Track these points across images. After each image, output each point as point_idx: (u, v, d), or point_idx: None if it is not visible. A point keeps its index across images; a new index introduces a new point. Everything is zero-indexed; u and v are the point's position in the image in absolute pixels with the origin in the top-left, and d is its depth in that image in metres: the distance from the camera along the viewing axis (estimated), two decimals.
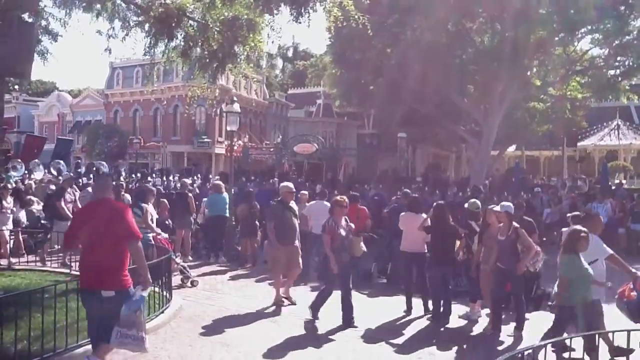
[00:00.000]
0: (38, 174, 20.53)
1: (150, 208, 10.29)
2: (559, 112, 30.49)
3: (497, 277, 7.68)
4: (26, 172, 20.31)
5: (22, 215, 13.53)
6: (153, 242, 9.71)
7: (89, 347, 6.13)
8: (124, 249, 5.19)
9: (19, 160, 21.58)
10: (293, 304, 9.12)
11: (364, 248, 8.25)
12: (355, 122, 46.15)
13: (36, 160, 22.81)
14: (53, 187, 14.83)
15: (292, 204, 9.55)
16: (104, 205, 5.40)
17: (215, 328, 7.62)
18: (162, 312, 7.72)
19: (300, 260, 9.38)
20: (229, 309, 8.78)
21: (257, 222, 13.08)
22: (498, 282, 7.69)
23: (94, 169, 24.97)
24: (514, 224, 7.68)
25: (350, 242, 8.22)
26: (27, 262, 11.71)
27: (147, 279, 5.29)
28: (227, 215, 13.52)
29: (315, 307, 8.02)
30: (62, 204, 12.17)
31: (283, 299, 9.15)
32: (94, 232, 5.18)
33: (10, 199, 12.62)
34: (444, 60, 25.54)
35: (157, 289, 8.15)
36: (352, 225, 8.49)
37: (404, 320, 8.47)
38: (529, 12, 22.41)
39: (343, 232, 8.05)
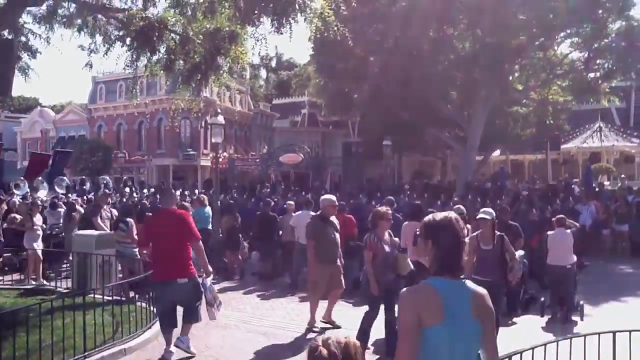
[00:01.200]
0: (42, 192, 19.66)
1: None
2: (542, 116, 30.81)
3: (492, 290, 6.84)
4: (28, 190, 19.75)
5: None
6: (139, 257, 9.64)
7: None
8: (188, 247, 6.74)
9: (22, 178, 21.16)
10: (337, 327, 8.24)
11: (411, 265, 7.19)
12: (340, 130, 46.24)
13: (39, 178, 22.21)
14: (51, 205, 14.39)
15: (333, 218, 8.69)
16: (170, 213, 6.88)
17: (203, 342, 7.56)
18: (150, 327, 7.65)
19: (342, 279, 8.51)
20: (217, 322, 8.72)
21: (239, 235, 13.14)
22: None
23: (103, 184, 24.54)
24: (496, 231, 7.19)
25: (395, 258, 7.21)
26: (12, 280, 11.56)
27: (209, 270, 7.03)
28: (210, 228, 13.60)
29: (363, 333, 7.02)
30: (99, 221, 11.79)
31: (319, 323, 8.33)
32: (164, 235, 6.60)
33: (39, 216, 12.44)
34: (426, 67, 25.74)
35: (144, 304, 8.09)
36: (397, 240, 7.69)
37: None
38: (508, 17, 22.69)
39: (387, 248, 7.20)
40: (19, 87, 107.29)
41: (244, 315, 9.15)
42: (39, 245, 11.85)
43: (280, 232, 13.08)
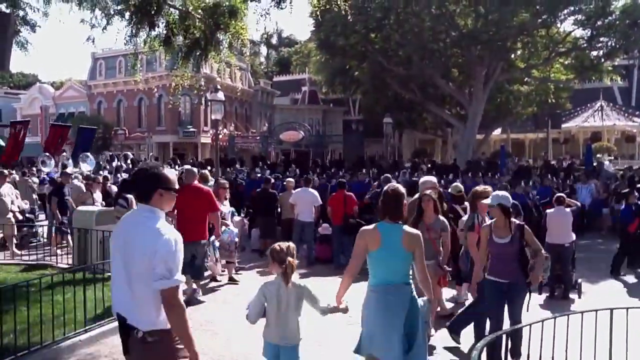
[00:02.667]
0: (85, 167, 19.28)
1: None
2: (543, 95, 30.68)
3: (492, 292, 5.57)
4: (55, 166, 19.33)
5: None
6: None
7: (76, 339, 6.17)
8: (206, 216, 8.33)
9: (47, 154, 20.90)
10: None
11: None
12: (341, 108, 46.09)
13: (64, 154, 21.80)
14: (77, 182, 13.66)
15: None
16: (192, 188, 8.30)
17: (203, 317, 7.60)
18: None
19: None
20: (216, 297, 8.79)
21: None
22: (494, 299, 5.56)
23: (128, 160, 24.17)
24: (515, 220, 5.68)
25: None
26: (13, 256, 11.60)
27: (219, 233, 9.06)
28: None
29: (455, 327, 6.41)
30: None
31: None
32: (188, 205, 7.79)
33: (99, 193, 12.31)
34: (427, 43, 25.56)
35: None
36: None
37: None
38: None
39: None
40: (19, 63, 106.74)
41: (244, 291, 9.18)
42: None
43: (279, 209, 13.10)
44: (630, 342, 4.55)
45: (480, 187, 7.05)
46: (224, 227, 9.48)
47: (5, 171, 13.30)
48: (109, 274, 8.44)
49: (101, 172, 17.44)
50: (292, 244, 4.43)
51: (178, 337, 3.14)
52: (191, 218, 8.02)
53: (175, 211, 8.01)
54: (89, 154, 21.38)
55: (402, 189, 4.50)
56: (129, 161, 23.40)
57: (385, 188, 4.58)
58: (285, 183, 13.67)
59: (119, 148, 39.48)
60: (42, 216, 15.71)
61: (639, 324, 4.70)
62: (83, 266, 8.24)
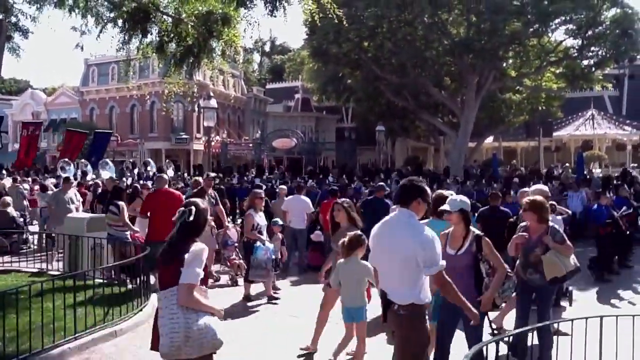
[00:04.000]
0: (105, 173, 19.04)
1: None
2: (535, 103, 30.87)
3: (444, 312, 4.93)
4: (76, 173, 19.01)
5: None
6: (130, 240, 9.62)
7: (66, 347, 6.14)
8: None
9: (67, 160, 20.61)
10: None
11: (563, 270, 5.63)
12: (334, 116, 46.17)
13: (83, 161, 21.45)
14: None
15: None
16: (163, 192, 9.31)
17: None
18: (141, 310, 7.65)
19: None
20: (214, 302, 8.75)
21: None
22: (445, 319, 4.96)
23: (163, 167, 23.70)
24: (473, 229, 5.01)
25: (537, 258, 5.61)
26: (3, 263, 11.51)
27: None
28: None
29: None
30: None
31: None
32: (159, 208, 8.79)
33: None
34: (421, 52, 25.69)
35: (135, 287, 8.09)
36: (550, 238, 5.73)
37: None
38: (503, 3, 22.64)
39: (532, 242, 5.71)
40: (11, 69, 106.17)
41: (234, 297, 9.16)
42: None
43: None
44: (619, 350, 4.56)
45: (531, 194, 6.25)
46: (258, 243, 8.74)
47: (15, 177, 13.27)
48: (99, 280, 8.47)
49: (124, 179, 17.29)
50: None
51: (450, 299, 4.25)
52: (161, 219, 8.43)
53: (149, 213, 9.17)
54: (108, 160, 21.20)
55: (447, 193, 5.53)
56: (149, 168, 22.91)
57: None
58: (277, 190, 13.67)
59: (110, 155, 39.31)
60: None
61: (629, 331, 4.71)
62: (74, 273, 8.18)
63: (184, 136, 40.20)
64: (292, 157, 37.61)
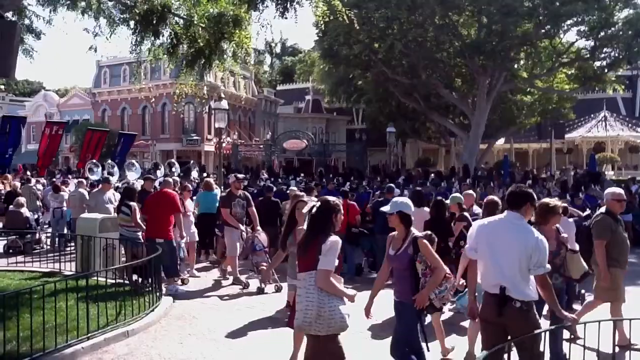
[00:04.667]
0: (132, 175, 18.98)
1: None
2: (546, 105, 30.69)
3: (399, 312, 5.09)
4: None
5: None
6: (142, 241, 9.67)
7: (79, 346, 6.17)
8: (170, 217, 9.43)
9: (94, 161, 20.69)
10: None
11: (586, 266, 5.95)
12: (344, 117, 46.17)
13: (110, 162, 21.26)
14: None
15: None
16: (162, 193, 9.71)
17: (206, 325, 7.60)
18: (152, 310, 7.70)
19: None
20: (219, 306, 8.78)
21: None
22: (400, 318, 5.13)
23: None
24: (414, 230, 5.06)
25: (562, 259, 5.84)
26: (17, 263, 11.62)
27: (183, 234, 10.08)
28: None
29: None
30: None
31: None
32: (155, 207, 9.38)
33: (190, 202, 11.97)
34: (431, 53, 25.64)
35: (147, 287, 8.14)
36: (565, 236, 6.03)
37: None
38: (514, 4, 22.54)
39: (553, 247, 5.57)
40: (24, 71, 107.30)
41: (248, 300, 9.18)
42: (193, 232, 11.41)
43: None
44: (633, 352, 4.53)
45: (552, 201, 5.87)
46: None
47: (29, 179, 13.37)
48: (112, 280, 8.50)
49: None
50: None
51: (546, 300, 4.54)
52: (157, 218, 9.27)
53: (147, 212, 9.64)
54: (134, 161, 21.20)
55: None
56: (173, 169, 22.80)
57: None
58: (288, 191, 13.66)
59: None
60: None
61: None
62: (86, 273, 8.24)
63: (195, 137, 40.38)
64: (302, 159, 37.64)
